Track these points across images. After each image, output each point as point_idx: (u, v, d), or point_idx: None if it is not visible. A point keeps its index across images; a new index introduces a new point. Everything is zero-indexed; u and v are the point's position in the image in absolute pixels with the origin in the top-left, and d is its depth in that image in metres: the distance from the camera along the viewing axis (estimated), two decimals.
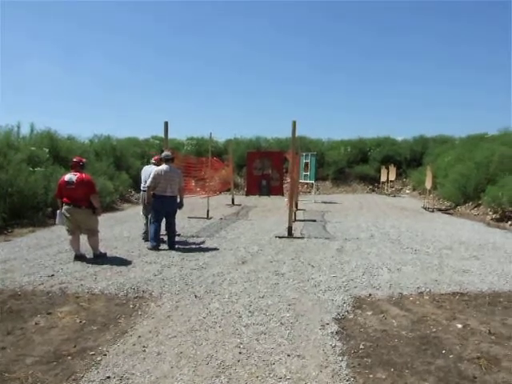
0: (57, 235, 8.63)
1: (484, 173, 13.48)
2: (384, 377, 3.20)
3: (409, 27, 77.63)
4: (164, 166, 7.54)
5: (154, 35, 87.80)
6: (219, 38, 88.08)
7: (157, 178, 7.42)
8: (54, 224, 7.99)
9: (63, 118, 58.48)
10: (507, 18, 70.21)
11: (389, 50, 79.64)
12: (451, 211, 14.20)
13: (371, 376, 3.21)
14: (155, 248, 7.47)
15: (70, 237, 6.67)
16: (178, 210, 7.86)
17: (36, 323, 4.18)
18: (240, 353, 3.57)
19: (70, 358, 3.47)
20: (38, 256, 6.89)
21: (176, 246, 7.70)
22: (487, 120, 56.33)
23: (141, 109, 71.51)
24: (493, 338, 3.93)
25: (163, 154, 7.79)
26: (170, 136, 9.62)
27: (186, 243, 8.20)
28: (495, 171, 13.01)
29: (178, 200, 7.85)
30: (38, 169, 11.65)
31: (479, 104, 67.73)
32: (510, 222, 10.79)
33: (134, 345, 3.72)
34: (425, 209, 14.83)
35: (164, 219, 7.70)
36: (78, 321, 4.26)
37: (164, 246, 7.66)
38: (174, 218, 7.79)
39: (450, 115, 63.73)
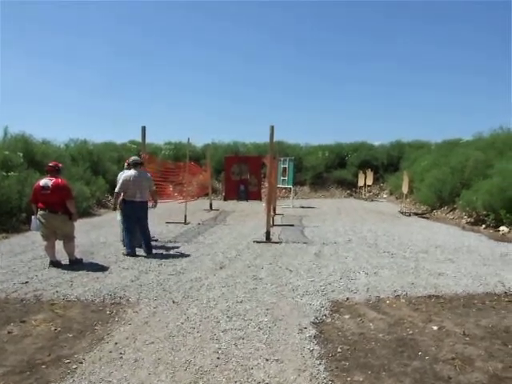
0: (31, 241, 8.47)
1: (459, 177, 13.73)
2: (361, 379, 3.22)
3: (383, 31, 78.79)
4: (132, 172, 7.47)
5: (130, 40, 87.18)
6: (195, 44, 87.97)
7: (125, 183, 7.36)
8: (29, 230, 7.83)
9: (38, 123, 57.51)
10: (485, 20, 72.13)
11: (366, 54, 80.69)
12: (427, 215, 14.41)
13: (349, 379, 3.23)
14: (131, 254, 7.39)
15: (45, 243, 6.56)
16: (153, 209, 7.82)
17: (9, 332, 4.09)
18: (218, 358, 3.55)
19: (44, 366, 3.40)
20: (12, 263, 6.75)
21: (153, 252, 7.65)
22: (462, 125, 57.49)
23: (118, 113, 70.73)
24: (467, 339, 4.00)
25: (131, 159, 7.73)
26: (147, 141, 9.57)
27: (163, 248, 8.13)
28: (470, 176, 13.25)
29: (152, 203, 7.82)
30: (12, 173, 11.40)
31: (455, 109, 69.07)
32: (483, 226, 11.00)
33: (111, 352, 3.67)
34: (401, 213, 15.02)
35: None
36: (53, 328, 4.18)
37: (142, 252, 7.58)
38: (147, 222, 7.73)
39: (426, 120, 64.85)
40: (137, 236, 7.70)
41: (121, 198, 7.45)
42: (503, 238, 9.57)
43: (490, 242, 9.14)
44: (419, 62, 78.38)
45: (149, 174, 7.93)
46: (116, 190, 7.50)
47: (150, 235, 7.85)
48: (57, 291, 5.33)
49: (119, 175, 8.02)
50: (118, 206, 7.57)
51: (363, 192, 21.97)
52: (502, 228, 10.34)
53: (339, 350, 3.75)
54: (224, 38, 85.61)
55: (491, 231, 10.47)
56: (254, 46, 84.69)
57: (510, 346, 3.83)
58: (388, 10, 74.87)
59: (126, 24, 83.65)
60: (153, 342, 3.87)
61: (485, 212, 11.11)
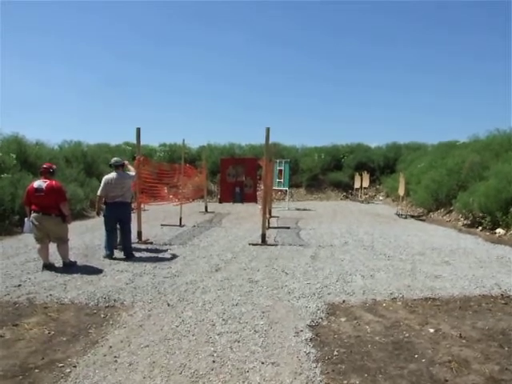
0: (24, 244, 8.41)
1: (455, 179, 13.74)
2: (358, 382, 3.20)
3: (380, 33, 79.09)
4: (113, 174, 7.44)
5: (126, 42, 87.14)
6: (191, 47, 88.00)
7: (107, 186, 7.35)
8: (22, 232, 7.80)
9: (32, 125, 57.26)
10: (482, 23, 72.55)
11: (363, 56, 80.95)
12: (424, 217, 14.43)
13: (345, 382, 3.20)
14: (109, 256, 7.35)
15: (38, 245, 6.51)
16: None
17: (1, 336, 4.04)
18: (214, 361, 3.52)
19: (37, 371, 3.36)
20: (4, 265, 6.69)
21: (137, 255, 7.62)
22: (458, 127, 57.86)
23: (113, 115, 70.54)
24: (463, 341, 3.98)
25: (112, 161, 7.67)
26: (142, 142, 9.51)
27: (158, 251, 8.09)
28: (466, 178, 13.27)
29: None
30: (5, 175, 11.34)
31: (451, 110, 69.42)
32: (480, 228, 11.01)
33: (105, 355, 3.63)
34: (398, 215, 15.04)
35: (118, 228, 7.69)
36: (47, 332, 4.14)
37: (133, 256, 7.55)
38: (129, 225, 7.69)
39: (422, 121, 64.99)
40: (116, 238, 7.75)
41: (103, 200, 7.46)
42: (499, 240, 9.57)
43: (486, 245, 9.14)
44: (416, 64, 78.78)
45: (131, 173, 7.89)
46: (98, 193, 7.50)
47: (130, 239, 7.78)
48: (50, 294, 5.29)
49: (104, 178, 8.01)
50: (101, 211, 7.54)
51: (359, 194, 21.99)
52: (498, 230, 10.35)
53: (335, 352, 3.72)
54: (220, 40, 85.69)
55: (487, 233, 10.48)
56: (251, 48, 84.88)
57: (506, 349, 3.81)
58: (386, 13, 75.20)
59: (122, 26, 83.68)
60: (147, 346, 3.84)
61: (481, 214, 11.11)
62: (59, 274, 6.24)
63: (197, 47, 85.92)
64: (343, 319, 4.56)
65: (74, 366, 3.42)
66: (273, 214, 14.05)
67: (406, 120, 64.96)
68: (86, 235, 9.82)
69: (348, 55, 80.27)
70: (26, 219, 6.57)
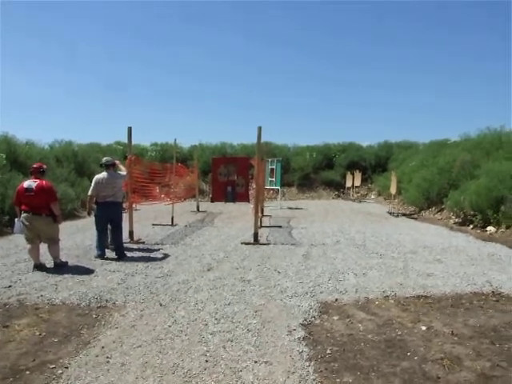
0: (15, 244, 8.33)
1: (446, 178, 13.81)
2: (351, 380, 3.20)
3: (371, 33, 79.26)
4: (104, 174, 7.41)
5: (118, 43, 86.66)
6: (182, 46, 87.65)
7: (97, 186, 7.31)
8: (12, 233, 7.72)
9: (22, 124, 56.69)
10: (475, 22, 73.01)
11: (354, 56, 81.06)
12: (415, 216, 14.49)
13: (338, 380, 3.21)
14: (101, 256, 7.31)
15: (28, 246, 6.45)
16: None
17: None
18: (207, 361, 3.51)
19: (28, 372, 3.33)
20: None
21: (129, 255, 7.58)
22: (449, 125, 58.12)
23: (104, 115, 69.99)
24: (455, 338, 4.00)
25: (103, 160, 7.63)
26: (133, 142, 9.46)
27: (150, 251, 8.06)
28: (457, 176, 13.34)
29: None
30: None
31: (442, 109, 69.74)
32: (471, 226, 11.07)
33: (97, 356, 3.61)
34: (390, 214, 15.08)
35: (110, 228, 7.66)
36: (38, 333, 4.10)
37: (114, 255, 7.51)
38: (120, 225, 7.64)
39: (414, 120, 65.24)
40: (107, 238, 7.71)
41: (94, 200, 7.43)
42: (490, 238, 9.62)
43: (477, 242, 9.19)
44: (416, 64, 79.02)
45: (122, 173, 7.86)
46: (89, 192, 7.45)
47: (122, 239, 7.72)
48: (41, 295, 5.24)
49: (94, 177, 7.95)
50: (92, 211, 7.53)
51: (351, 193, 22.04)
52: (489, 228, 10.41)
53: (328, 351, 3.72)
54: (220, 40, 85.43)
55: (479, 231, 10.54)
56: (251, 48, 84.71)
57: (497, 345, 3.84)
58: (386, 13, 75.40)
59: (115, 27, 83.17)
60: (140, 346, 3.82)
61: (472, 212, 11.18)
62: (50, 275, 6.19)
63: (196, 47, 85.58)
64: (336, 318, 4.57)
65: (66, 367, 3.40)
66: (265, 213, 14.05)
67: (399, 119, 65.18)
68: (77, 235, 9.76)
69: (348, 55, 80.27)
70: (16, 219, 6.51)
